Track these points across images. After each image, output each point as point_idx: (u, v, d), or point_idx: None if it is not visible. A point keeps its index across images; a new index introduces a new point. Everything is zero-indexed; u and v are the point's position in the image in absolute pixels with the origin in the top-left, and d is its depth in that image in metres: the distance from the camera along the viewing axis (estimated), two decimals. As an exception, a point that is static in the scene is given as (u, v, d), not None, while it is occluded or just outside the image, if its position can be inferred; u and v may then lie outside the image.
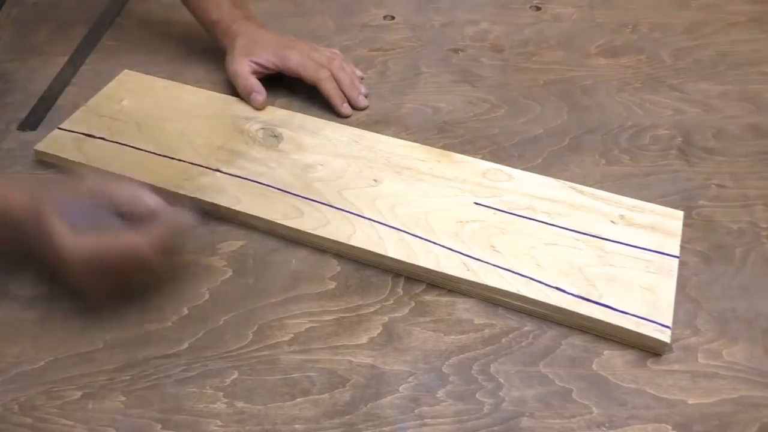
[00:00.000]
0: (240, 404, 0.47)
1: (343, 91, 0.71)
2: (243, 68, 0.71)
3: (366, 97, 0.72)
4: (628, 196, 0.59)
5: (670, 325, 0.49)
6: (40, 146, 0.64)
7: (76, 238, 0.46)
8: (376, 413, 0.46)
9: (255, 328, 0.51)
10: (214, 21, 0.74)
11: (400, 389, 0.48)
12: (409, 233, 0.56)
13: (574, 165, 0.65)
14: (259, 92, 0.70)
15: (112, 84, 0.72)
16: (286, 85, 0.74)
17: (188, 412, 0.46)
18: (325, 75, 0.70)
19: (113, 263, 0.48)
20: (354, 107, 0.71)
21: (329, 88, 0.70)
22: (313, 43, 0.75)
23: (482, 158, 0.63)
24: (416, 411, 0.46)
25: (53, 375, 0.48)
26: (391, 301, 0.53)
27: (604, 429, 0.45)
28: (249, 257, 0.56)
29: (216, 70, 0.76)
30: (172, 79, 0.73)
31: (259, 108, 0.70)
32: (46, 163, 0.65)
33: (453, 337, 0.51)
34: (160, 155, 0.63)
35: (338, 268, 0.56)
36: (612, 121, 0.70)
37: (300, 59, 0.71)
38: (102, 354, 0.50)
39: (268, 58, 0.71)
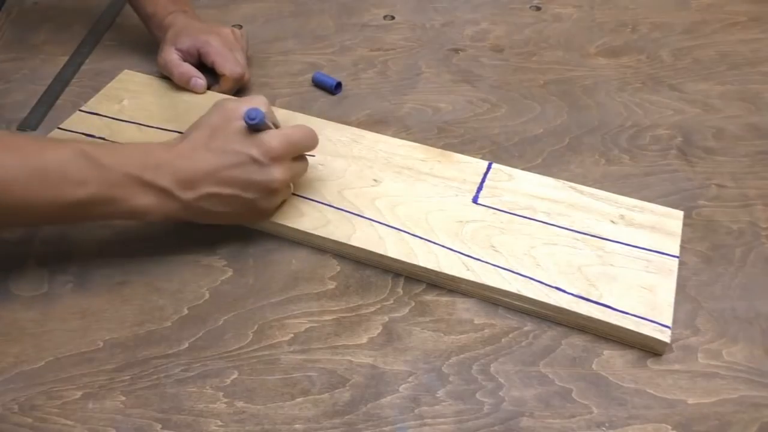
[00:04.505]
0: (240, 404, 0.47)
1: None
2: (172, 56, 0.70)
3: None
4: (628, 196, 0.59)
5: (670, 325, 0.49)
6: (40, 146, 0.64)
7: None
8: (376, 413, 0.46)
9: (255, 328, 0.51)
10: (150, 14, 0.74)
11: (400, 389, 0.48)
12: (409, 233, 0.56)
13: (574, 165, 0.65)
14: (198, 76, 0.70)
15: (112, 84, 0.72)
16: (286, 85, 0.74)
17: (188, 412, 0.46)
18: (238, 74, 0.70)
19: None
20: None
21: (228, 89, 0.71)
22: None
23: (482, 158, 0.63)
24: (416, 411, 0.46)
25: (53, 375, 0.48)
26: (391, 301, 0.53)
27: (604, 429, 0.45)
28: (249, 257, 0.56)
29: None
30: (172, 79, 0.73)
31: (202, 93, 0.70)
32: (46, 163, 0.65)
33: (453, 337, 0.51)
34: (160, 155, 0.63)
35: (338, 268, 0.56)
36: (612, 121, 0.70)
37: (220, 48, 0.70)
38: (102, 354, 0.50)
39: (190, 44, 0.70)
